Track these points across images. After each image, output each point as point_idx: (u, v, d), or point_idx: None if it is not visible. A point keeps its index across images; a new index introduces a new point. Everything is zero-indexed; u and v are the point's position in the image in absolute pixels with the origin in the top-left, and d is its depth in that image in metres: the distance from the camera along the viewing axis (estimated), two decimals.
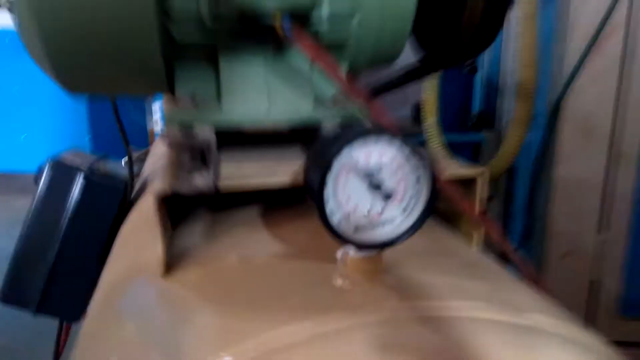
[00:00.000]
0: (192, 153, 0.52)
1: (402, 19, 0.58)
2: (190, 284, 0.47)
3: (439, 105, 1.67)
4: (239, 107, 0.53)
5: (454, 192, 0.50)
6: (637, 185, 1.35)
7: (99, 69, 0.54)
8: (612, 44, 1.30)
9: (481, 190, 0.54)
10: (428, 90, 1.61)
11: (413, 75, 0.79)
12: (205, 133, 0.51)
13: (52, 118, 2.70)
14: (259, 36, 0.53)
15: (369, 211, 0.39)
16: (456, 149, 1.71)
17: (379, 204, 0.39)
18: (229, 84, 0.54)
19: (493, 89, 1.81)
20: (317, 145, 0.39)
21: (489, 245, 0.56)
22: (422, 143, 1.71)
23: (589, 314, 1.47)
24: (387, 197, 0.39)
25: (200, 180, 0.48)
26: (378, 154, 0.38)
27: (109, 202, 0.82)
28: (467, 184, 0.54)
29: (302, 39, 0.48)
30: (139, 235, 0.66)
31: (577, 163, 1.38)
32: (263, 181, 0.48)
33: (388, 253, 0.41)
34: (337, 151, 0.36)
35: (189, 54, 0.55)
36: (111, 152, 1.03)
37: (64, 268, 0.85)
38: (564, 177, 1.41)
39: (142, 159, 1.21)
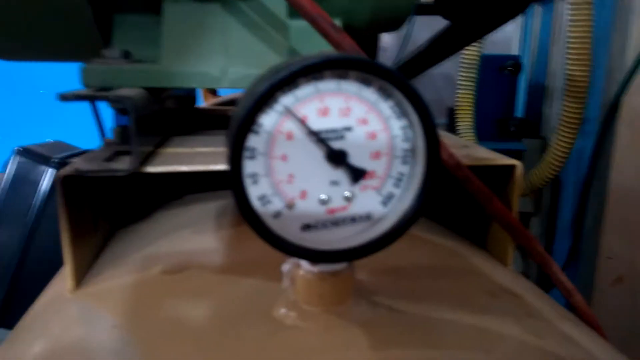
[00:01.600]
0: (124, 129, 0.39)
1: None
2: (102, 297, 0.34)
3: (475, 110, 1.49)
4: (183, 64, 0.39)
5: (479, 184, 0.34)
6: None
7: (16, 24, 0.42)
8: None
9: (517, 187, 0.38)
10: (462, 92, 1.44)
11: (438, 48, 0.64)
12: (125, 95, 0.37)
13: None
14: None
15: (327, 199, 0.24)
16: None
17: (344, 186, 0.24)
18: (173, 35, 0.40)
19: (538, 91, 1.62)
20: (246, 91, 0.24)
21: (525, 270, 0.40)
22: None
23: (638, 348, 1.25)
24: (357, 177, 0.24)
25: (119, 163, 0.34)
26: (343, 99, 0.23)
27: None
28: (497, 185, 0.38)
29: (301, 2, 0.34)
30: None
31: (634, 174, 1.18)
32: (197, 167, 0.34)
33: (364, 269, 0.26)
34: (267, 92, 0.21)
35: (128, 1, 0.42)
36: None
37: (28, 273, 0.74)
38: (619, 191, 1.21)
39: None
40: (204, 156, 0.38)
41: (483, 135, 1.54)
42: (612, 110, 1.17)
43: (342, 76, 0.23)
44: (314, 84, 0.22)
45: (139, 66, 0.39)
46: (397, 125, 0.24)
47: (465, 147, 0.43)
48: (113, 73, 0.38)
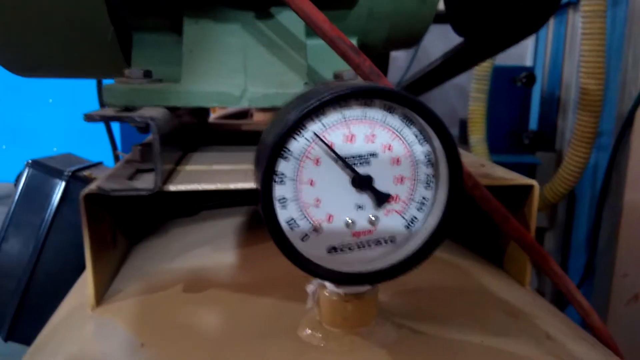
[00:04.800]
0: (144, 147, 0.40)
1: None
2: (122, 314, 0.35)
3: (489, 122, 1.49)
4: (204, 83, 0.40)
5: (497, 204, 0.34)
6: None
7: (39, 43, 0.44)
8: None
9: (534, 208, 0.38)
10: (474, 103, 1.44)
11: (452, 64, 0.64)
12: (149, 116, 0.37)
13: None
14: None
15: (352, 223, 0.24)
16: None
17: (369, 210, 0.24)
18: (194, 54, 0.41)
19: (552, 104, 1.61)
20: (274, 117, 0.25)
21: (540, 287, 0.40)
22: None
23: None
24: (382, 201, 0.24)
25: (142, 181, 0.35)
26: (368, 126, 0.24)
27: None
28: (514, 204, 0.39)
29: (315, 18, 0.35)
30: None
31: None
32: (218, 186, 0.35)
33: (386, 290, 0.26)
34: (297, 120, 0.22)
35: (148, 20, 0.43)
36: None
37: (39, 286, 0.75)
38: (634, 206, 1.20)
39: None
40: (222, 174, 0.39)
41: (496, 148, 1.54)
42: (627, 123, 1.16)
43: (368, 104, 0.23)
44: (340, 112, 0.23)
45: (160, 86, 0.40)
46: (420, 151, 0.24)
47: (482, 166, 0.44)
48: (135, 93, 0.39)
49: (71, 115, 2.61)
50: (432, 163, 0.25)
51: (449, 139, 0.24)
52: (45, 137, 2.66)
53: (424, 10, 0.47)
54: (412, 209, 0.25)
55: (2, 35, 0.42)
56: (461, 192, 0.24)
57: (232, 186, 0.36)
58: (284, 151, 0.22)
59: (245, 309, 0.31)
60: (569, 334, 0.32)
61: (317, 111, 0.22)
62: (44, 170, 0.77)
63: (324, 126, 0.23)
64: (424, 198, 0.25)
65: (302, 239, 0.24)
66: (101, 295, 0.37)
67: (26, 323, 0.76)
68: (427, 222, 0.25)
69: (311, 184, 0.23)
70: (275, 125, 0.23)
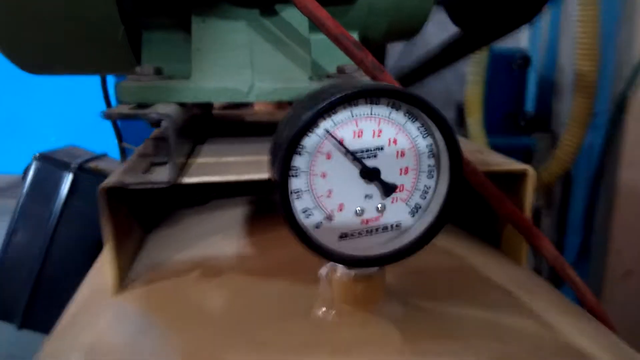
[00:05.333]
0: (156, 141, 0.41)
1: None
2: (142, 300, 0.37)
3: (485, 105, 1.51)
4: (213, 79, 0.42)
5: (493, 189, 0.37)
6: None
7: (53, 42, 0.45)
8: None
9: (530, 192, 0.41)
10: (471, 86, 1.46)
11: (449, 53, 0.66)
12: (164, 113, 0.40)
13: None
14: None
15: (361, 211, 0.27)
16: (505, 154, 1.54)
17: (376, 200, 0.27)
18: (202, 52, 0.42)
19: (548, 86, 1.63)
20: (288, 113, 0.27)
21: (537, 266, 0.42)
22: None
23: None
24: (388, 191, 0.27)
25: (157, 174, 0.37)
26: (375, 122, 0.26)
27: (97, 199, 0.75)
28: (511, 188, 0.41)
29: (319, 16, 0.37)
30: None
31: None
32: (230, 177, 0.37)
33: (392, 272, 0.29)
34: (310, 120, 0.24)
35: (157, 22, 0.45)
36: None
37: (50, 275, 0.77)
38: (629, 185, 1.22)
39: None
40: (233, 166, 0.41)
41: (492, 129, 1.56)
42: (621, 105, 1.19)
43: (375, 102, 0.25)
44: (349, 110, 0.25)
45: (171, 83, 0.41)
46: (423, 144, 0.27)
47: (479, 152, 0.46)
48: (148, 90, 0.41)
49: (68, 106, 2.62)
50: (434, 154, 0.27)
51: (450, 134, 0.26)
52: (43, 127, 2.67)
53: (423, 2, 0.49)
54: (416, 197, 0.27)
55: (17, 36, 0.44)
56: (461, 181, 0.26)
57: (245, 177, 0.38)
58: (299, 147, 0.25)
59: (260, 292, 0.33)
60: (564, 309, 0.35)
61: (329, 111, 0.24)
62: (51, 163, 0.79)
63: (335, 124, 0.25)
64: (426, 187, 0.27)
65: (316, 227, 0.26)
66: (120, 282, 0.39)
67: (39, 311, 0.78)
68: (430, 208, 0.27)
69: (323, 176, 0.26)
70: (290, 123, 0.25)
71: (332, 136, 0.25)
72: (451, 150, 0.26)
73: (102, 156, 0.91)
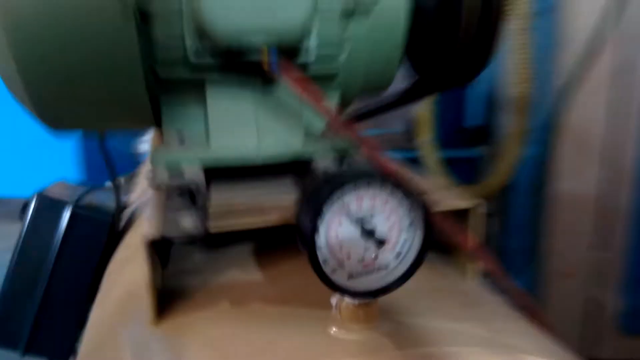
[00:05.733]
0: (180, 192, 0.51)
1: (393, 47, 0.57)
2: (184, 330, 0.45)
3: (435, 120, 1.65)
4: (228, 144, 0.52)
5: (449, 226, 0.48)
6: (636, 200, 1.34)
7: (83, 109, 0.53)
8: (606, 57, 1.30)
9: (476, 222, 0.53)
10: (422, 105, 1.60)
11: (407, 98, 0.78)
12: (193, 172, 0.49)
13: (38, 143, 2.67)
14: (247, 70, 0.52)
15: (362, 258, 0.38)
16: (453, 165, 1.70)
17: (372, 250, 0.38)
18: (217, 120, 0.53)
19: (495, 100, 1.80)
20: (307, 190, 0.37)
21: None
22: (417, 159, 1.70)
23: (590, 332, 1.45)
24: (381, 243, 0.38)
25: (189, 223, 0.46)
26: (370, 198, 0.37)
27: (97, 235, 0.81)
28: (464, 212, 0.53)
29: (289, 73, 0.47)
30: (129, 274, 0.64)
31: (574, 179, 1.37)
32: (253, 221, 0.47)
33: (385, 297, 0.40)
34: (328, 196, 0.35)
35: (175, 89, 0.54)
36: (98, 176, 1.02)
37: (52, 305, 0.83)
38: (562, 194, 1.40)
39: (128, 183, 1.19)
40: (247, 206, 0.50)
41: (443, 143, 1.71)
42: (553, 124, 1.35)
43: (372, 183, 0.36)
44: (355, 191, 0.36)
45: (195, 151, 0.51)
46: (403, 210, 0.38)
47: (436, 190, 0.58)
48: (176, 157, 0.51)
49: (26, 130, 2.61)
50: (411, 217, 0.38)
51: (420, 201, 0.37)
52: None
53: (391, 65, 0.60)
54: (399, 247, 0.38)
55: (51, 103, 0.52)
56: (432, 233, 0.38)
57: (266, 218, 0.47)
58: (320, 219, 0.35)
59: (282, 316, 0.44)
60: (509, 316, 0.47)
61: (341, 196, 0.35)
62: (49, 201, 0.85)
63: (344, 200, 0.36)
64: (406, 239, 0.38)
65: (332, 272, 0.37)
66: (157, 313, 0.48)
67: (42, 337, 0.84)
68: (409, 254, 0.39)
69: (336, 236, 0.36)
70: (310, 204, 0.36)
71: (345, 209, 0.36)
72: (424, 214, 0.37)
73: (92, 189, 0.97)
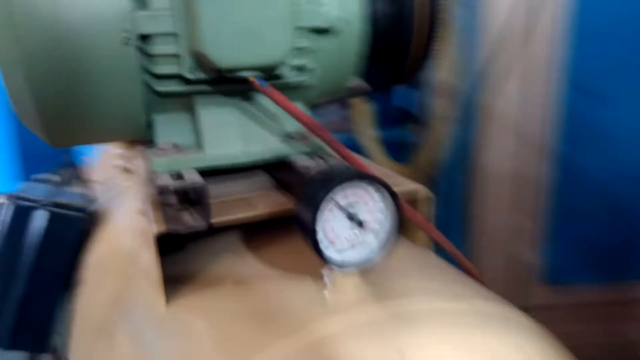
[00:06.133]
0: (178, 193, 0.58)
1: (352, 59, 0.68)
2: (194, 310, 0.54)
3: (370, 103, 1.78)
4: (219, 149, 0.61)
5: (410, 210, 0.61)
6: (546, 170, 1.56)
7: (85, 126, 0.60)
8: (522, 44, 1.48)
9: (424, 202, 0.65)
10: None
11: (353, 95, 0.90)
12: (192, 175, 0.58)
13: None
14: (233, 86, 0.61)
15: (348, 237, 0.49)
16: (390, 146, 1.84)
17: (354, 230, 0.49)
18: (208, 129, 0.61)
19: (426, 84, 1.96)
20: (307, 190, 0.48)
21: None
22: (354, 140, 1.82)
23: (512, 285, 1.67)
24: (361, 224, 0.49)
25: (191, 219, 0.54)
26: (353, 191, 0.48)
27: (71, 232, 0.86)
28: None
29: (274, 93, 0.57)
30: (119, 268, 0.71)
31: (494, 153, 1.56)
32: (247, 215, 0.57)
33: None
34: (324, 197, 0.46)
35: (167, 104, 0.62)
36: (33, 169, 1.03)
37: (31, 302, 0.87)
38: (485, 166, 1.58)
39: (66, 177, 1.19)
40: (237, 202, 0.60)
41: (377, 124, 1.85)
42: (474, 106, 1.53)
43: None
44: (343, 189, 0.47)
45: (191, 157, 0.60)
46: (378, 197, 0.49)
47: (387, 176, 0.70)
48: (173, 162, 0.59)
49: None
50: (384, 202, 0.50)
51: (391, 193, 0.49)
52: None
53: (351, 71, 0.71)
54: (376, 225, 0.50)
55: (58, 125, 0.59)
56: (399, 214, 0.50)
57: (258, 212, 0.57)
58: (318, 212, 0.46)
59: (282, 289, 0.54)
60: (452, 273, 0.60)
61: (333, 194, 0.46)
62: (22, 202, 0.88)
63: (335, 197, 0.47)
64: (380, 220, 0.50)
65: (325, 248, 0.48)
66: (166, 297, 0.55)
67: (25, 332, 0.88)
68: (382, 231, 0.50)
69: (328, 222, 0.48)
70: (310, 202, 0.46)
71: (335, 201, 0.47)
72: (394, 201, 0.49)
73: (61, 184, 1.00)
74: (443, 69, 1.48)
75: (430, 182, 1.91)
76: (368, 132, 1.77)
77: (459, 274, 0.61)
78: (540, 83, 1.53)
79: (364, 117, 1.77)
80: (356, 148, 1.75)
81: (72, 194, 1.01)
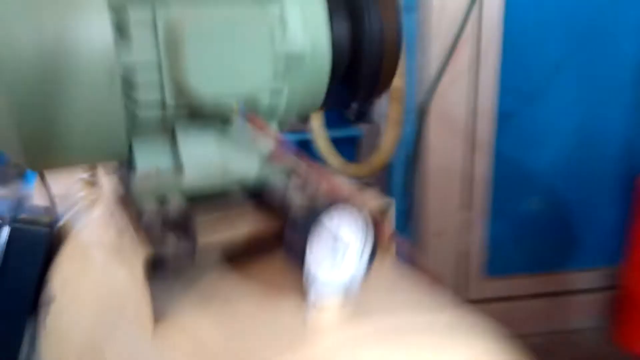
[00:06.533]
0: (163, 218, 0.59)
1: (320, 84, 0.72)
2: (175, 333, 0.54)
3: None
4: (199, 175, 0.63)
5: (384, 227, 0.65)
6: (490, 169, 1.65)
7: (66, 152, 0.61)
8: (465, 52, 1.56)
9: (389, 215, 0.70)
10: None
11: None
12: (177, 200, 0.60)
13: None
14: (213, 114, 0.63)
15: (334, 258, 0.53)
16: (338, 143, 1.89)
17: (340, 252, 0.53)
18: (189, 155, 0.63)
19: None
20: (297, 222, 0.51)
21: None
22: (308, 142, 1.86)
23: (461, 280, 1.76)
24: (345, 246, 0.53)
25: (177, 243, 0.56)
26: (337, 219, 0.52)
27: (35, 248, 0.84)
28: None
29: (255, 121, 0.60)
30: (95, 287, 0.71)
31: (442, 153, 1.65)
32: (231, 235, 0.59)
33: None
34: (312, 229, 0.50)
35: (148, 128, 0.63)
36: None
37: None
38: (433, 166, 1.66)
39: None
40: (219, 224, 0.62)
41: (329, 123, 1.90)
42: (423, 109, 1.60)
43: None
44: (329, 218, 0.51)
45: (173, 180, 0.62)
46: (360, 218, 0.53)
47: (355, 191, 0.74)
48: (157, 185, 0.61)
49: None
50: (365, 223, 0.54)
51: (371, 217, 0.53)
52: None
53: (320, 94, 0.74)
54: (359, 247, 0.54)
55: (40, 154, 0.59)
56: (378, 233, 0.54)
57: (240, 233, 0.60)
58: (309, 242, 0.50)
59: (268, 310, 0.57)
60: (420, 283, 0.65)
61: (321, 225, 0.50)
62: None
63: (322, 226, 0.51)
64: (362, 240, 0.54)
65: (315, 271, 0.52)
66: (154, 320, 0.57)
67: None
68: (365, 253, 0.55)
69: (317, 244, 0.51)
70: (301, 234, 0.50)
71: (323, 224, 0.51)
72: (371, 221, 0.54)
73: (22, 199, 0.98)
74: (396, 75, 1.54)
75: (379, 180, 1.98)
76: (321, 133, 1.81)
77: (424, 282, 0.67)
78: (485, 86, 1.62)
79: (317, 118, 1.81)
80: (309, 148, 1.79)
81: (34, 209, 0.98)
